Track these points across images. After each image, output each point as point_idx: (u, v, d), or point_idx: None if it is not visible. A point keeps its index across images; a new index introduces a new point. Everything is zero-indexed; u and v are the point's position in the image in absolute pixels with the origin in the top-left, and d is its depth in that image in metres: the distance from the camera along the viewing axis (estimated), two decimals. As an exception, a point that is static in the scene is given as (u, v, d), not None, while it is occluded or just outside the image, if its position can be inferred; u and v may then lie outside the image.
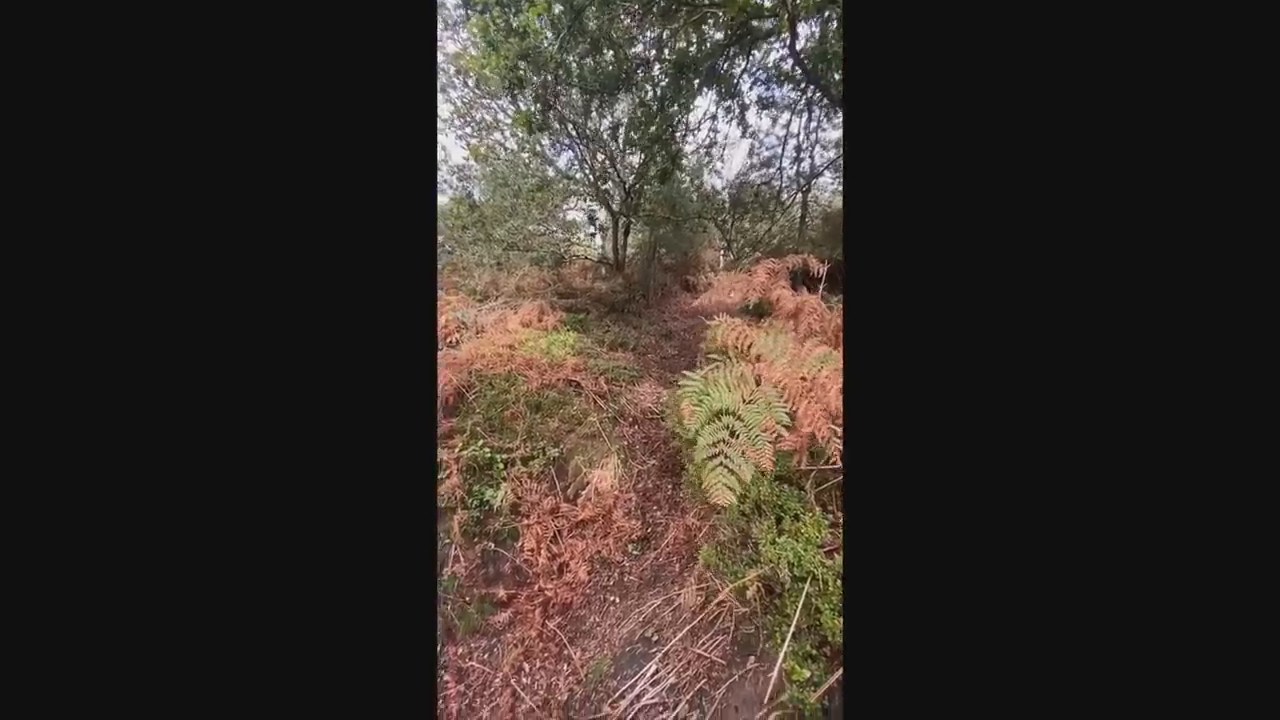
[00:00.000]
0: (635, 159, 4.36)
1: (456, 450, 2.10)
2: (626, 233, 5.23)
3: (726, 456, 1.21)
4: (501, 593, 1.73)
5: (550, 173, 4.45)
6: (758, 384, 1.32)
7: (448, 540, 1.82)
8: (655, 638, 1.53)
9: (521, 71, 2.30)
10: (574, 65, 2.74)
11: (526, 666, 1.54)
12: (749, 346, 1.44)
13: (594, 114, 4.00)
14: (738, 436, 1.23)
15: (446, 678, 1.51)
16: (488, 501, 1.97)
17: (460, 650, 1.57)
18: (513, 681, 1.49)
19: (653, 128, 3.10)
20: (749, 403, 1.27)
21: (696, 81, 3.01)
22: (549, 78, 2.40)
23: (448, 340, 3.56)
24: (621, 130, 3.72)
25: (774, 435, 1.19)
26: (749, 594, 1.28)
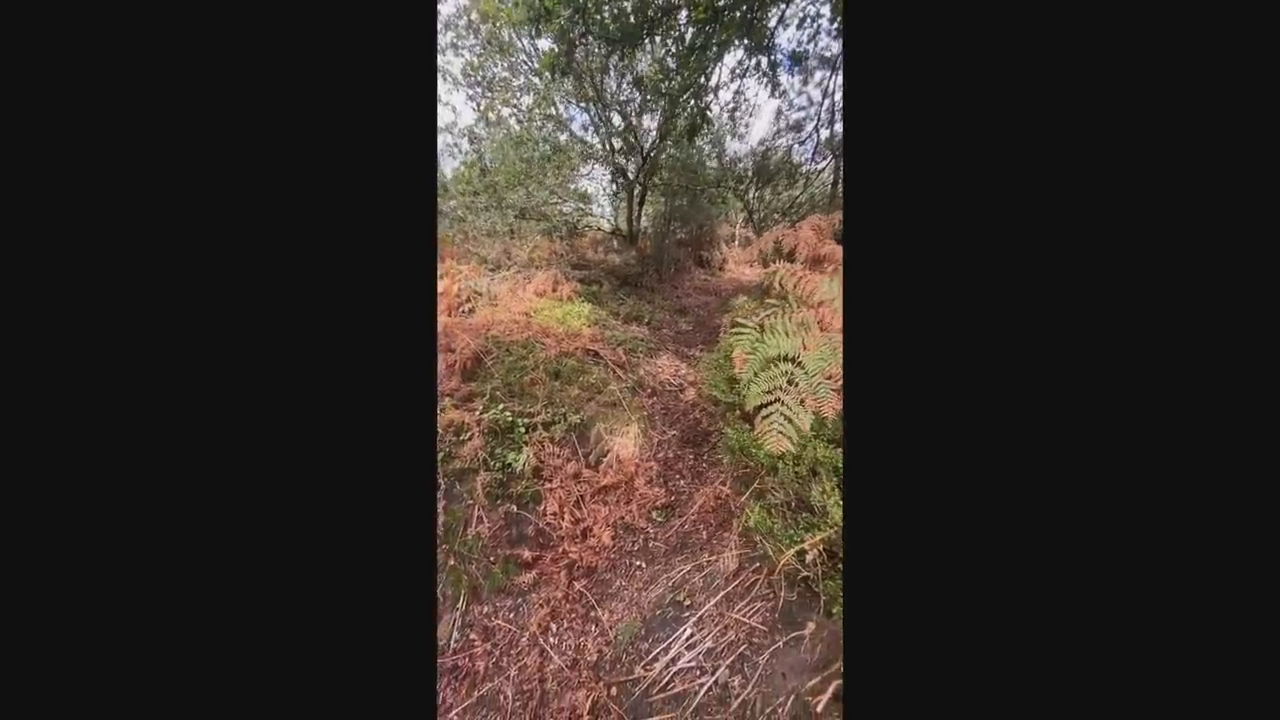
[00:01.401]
0: (653, 122, 4.14)
1: (478, 413, 2.04)
2: (641, 203, 5.04)
3: (783, 404, 1.13)
4: (526, 554, 1.69)
5: (564, 137, 4.25)
6: (821, 329, 1.22)
7: (470, 501, 1.78)
8: (687, 602, 1.49)
9: (547, 2, 2.12)
10: (595, 11, 2.54)
11: (554, 626, 1.51)
12: (811, 292, 1.34)
13: (613, 71, 3.77)
14: (796, 384, 1.14)
15: (473, 636, 1.48)
16: (510, 464, 1.92)
17: (486, 609, 1.55)
18: (540, 641, 1.46)
19: (680, 78, 2.90)
20: (810, 349, 1.18)
21: (726, 35, 2.79)
22: (574, 13, 2.22)
23: (460, 308, 3.48)
24: (644, 85, 3.51)
25: (838, 382, 1.11)
26: (809, 559, 1.23)
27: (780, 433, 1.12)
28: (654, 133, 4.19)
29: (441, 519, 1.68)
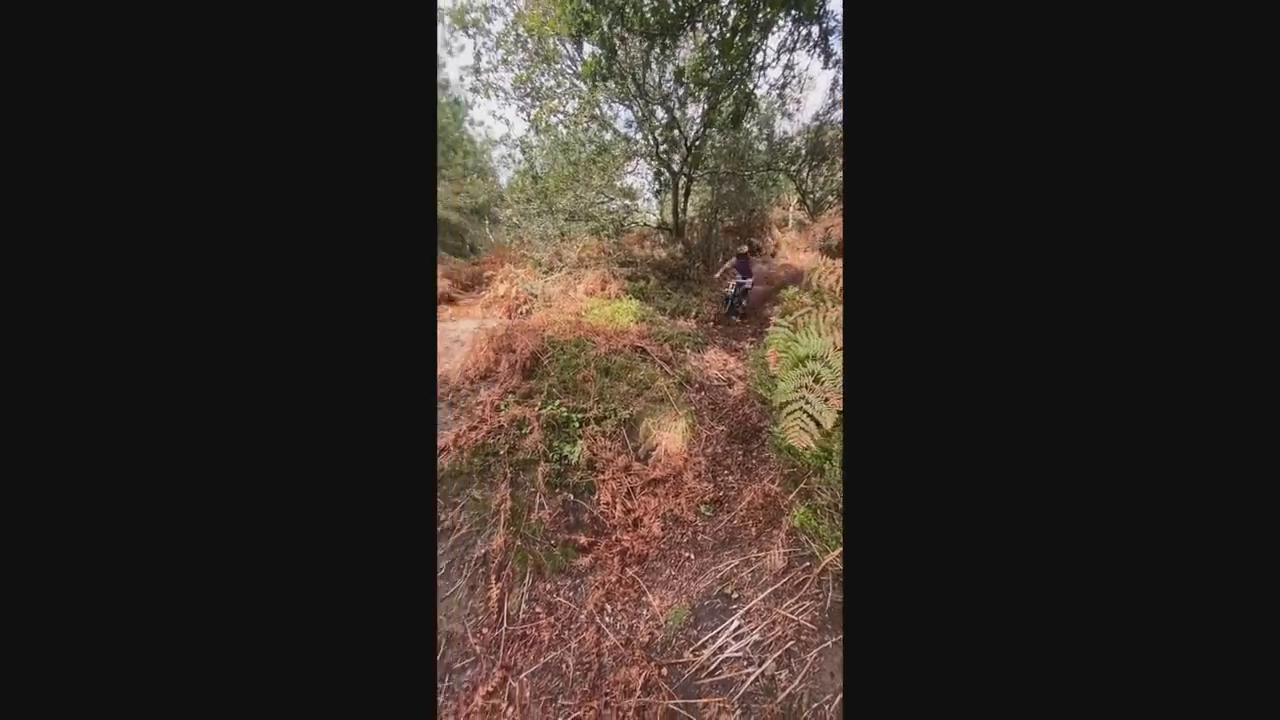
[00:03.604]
0: (697, 110, 4.05)
1: (537, 408, 2.22)
2: (686, 194, 4.98)
3: (807, 402, 1.14)
4: (582, 539, 1.84)
5: (608, 136, 4.33)
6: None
7: (533, 489, 1.96)
8: (735, 595, 1.52)
9: (587, 15, 2.19)
10: (635, 12, 2.55)
11: (608, 607, 1.64)
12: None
13: (654, 65, 3.75)
14: (822, 383, 1.14)
15: (538, 609, 1.66)
16: (566, 456, 2.07)
17: (549, 586, 1.71)
18: (597, 619, 1.59)
19: (722, 66, 2.81)
20: (842, 349, 1.16)
21: (772, 9, 2.64)
22: (613, 17, 2.26)
23: (519, 309, 3.76)
24: (686, 75, 3.45)
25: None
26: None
27: (801, 428, 1.13)
28: (697, 122, 4.10)
29: (509, 504, 1.88)
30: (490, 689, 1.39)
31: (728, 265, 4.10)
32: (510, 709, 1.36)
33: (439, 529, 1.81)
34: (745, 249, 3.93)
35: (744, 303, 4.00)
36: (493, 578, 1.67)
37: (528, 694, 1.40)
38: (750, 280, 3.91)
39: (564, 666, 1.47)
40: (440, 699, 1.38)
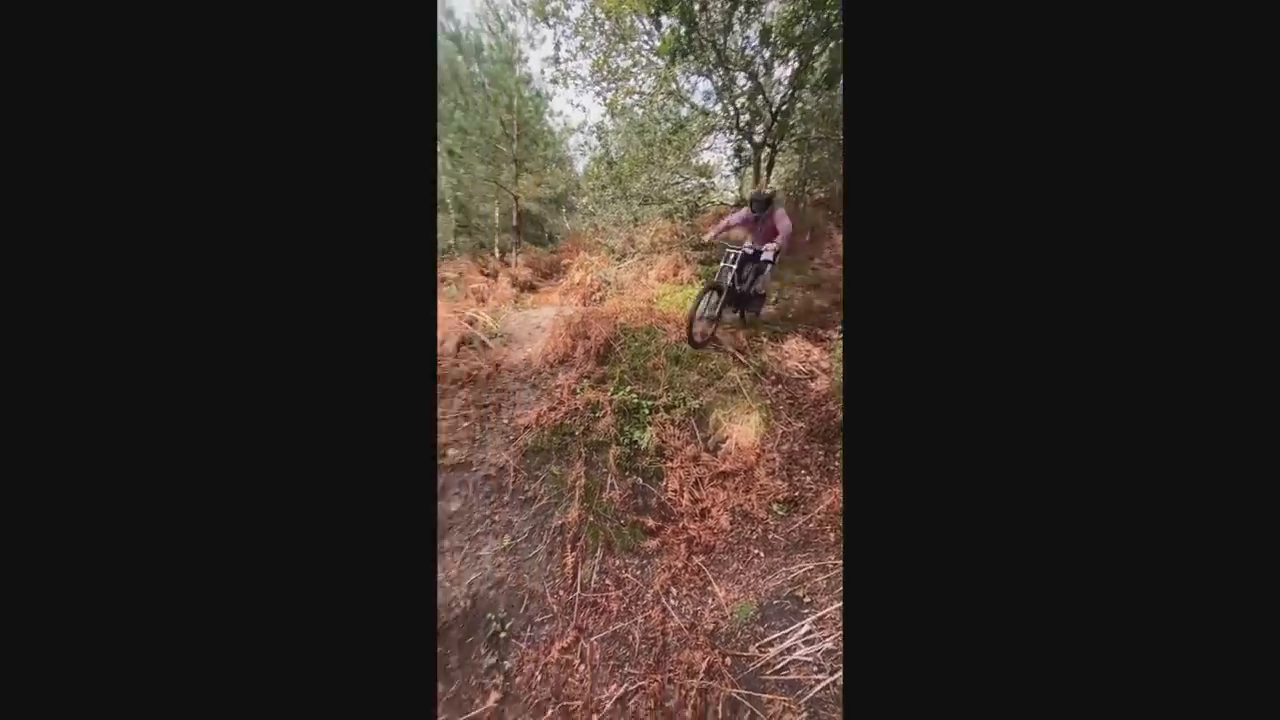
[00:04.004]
0: (785, 72, 3.66)
1: (609, 393, 2.32)
2: (769, 167, 4.59)
3: None
4: (650, 522, 1.90)
5: (684, 112, 4.15)
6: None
7: (605, 470, 2.07)
8: (808, 600, 1.46)
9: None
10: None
11: (674, 590, 1.69)
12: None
13: (737, 26, 3.45)
14: None
15: (608, 581, 1.78)
16: (636, 441, 2.14)
17: (618, 562, 1.82)
18: (663, 600, 1.65)
19: (816, 18, 2.47)
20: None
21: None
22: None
23: (593, 296, 3.91)
24: (774, 34, 3.12)
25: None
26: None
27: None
28: (785, 85, 3.71)
29: (583, 482, 2.02)
30: (565, 645, 1.54)
31: (730, 220, 2.39)
32: (582, 666, 1.50)
33: (522, 499, 2.03)
34: (771, 191, 2.31)
35: (756, 288, 2.51)
36: (568, 546, 1.83)
37: (598, 656, 1.52)
38: (775, 248, 2.25)
39: (630, 638, 1.57)
40: (523, 646, 1.57)
